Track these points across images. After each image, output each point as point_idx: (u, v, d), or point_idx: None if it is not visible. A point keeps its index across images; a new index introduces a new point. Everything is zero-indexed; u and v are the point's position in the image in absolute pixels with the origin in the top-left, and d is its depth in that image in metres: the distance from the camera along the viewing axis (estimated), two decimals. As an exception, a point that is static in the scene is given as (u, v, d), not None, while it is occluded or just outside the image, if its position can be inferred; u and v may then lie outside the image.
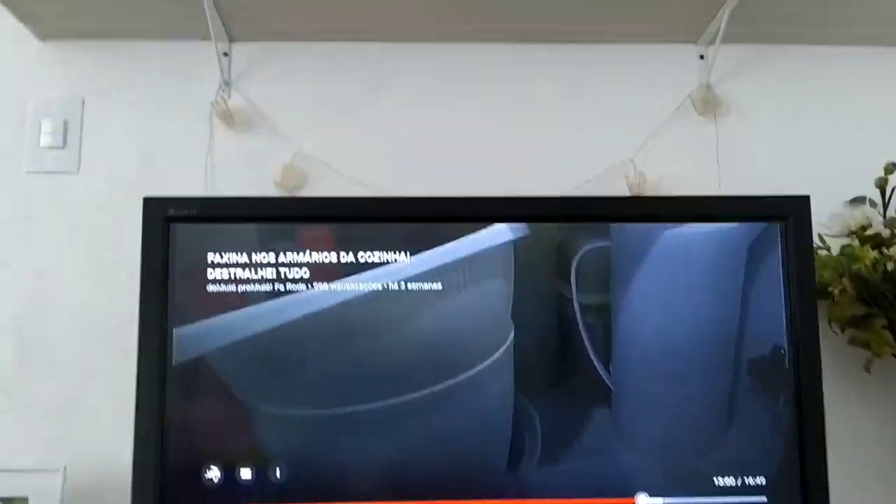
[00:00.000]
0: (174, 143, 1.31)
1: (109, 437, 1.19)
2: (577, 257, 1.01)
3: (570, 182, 1.29)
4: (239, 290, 0.97)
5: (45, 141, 1.29)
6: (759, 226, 1.01)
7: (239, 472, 0.94)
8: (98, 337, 1.24)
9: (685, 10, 1.27)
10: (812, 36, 1.35)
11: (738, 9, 1.24)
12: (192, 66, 1.33)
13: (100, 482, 1.17)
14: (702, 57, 1.37)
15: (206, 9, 1.22)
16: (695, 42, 1.36)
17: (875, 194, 1.26)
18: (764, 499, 0.97)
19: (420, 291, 0.98)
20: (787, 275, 1.00)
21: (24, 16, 1.25)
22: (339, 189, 1.29)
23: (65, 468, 1.10)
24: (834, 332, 1.22)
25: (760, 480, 0.97)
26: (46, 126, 1.29)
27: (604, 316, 1.00)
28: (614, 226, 1.01)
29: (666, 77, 1.36)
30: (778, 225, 1.01)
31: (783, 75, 1.37)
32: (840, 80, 1.37)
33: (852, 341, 1.19)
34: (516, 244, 1.00)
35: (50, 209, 1.28)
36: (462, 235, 1.00)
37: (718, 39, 1.29)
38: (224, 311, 0.96)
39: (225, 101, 1.31)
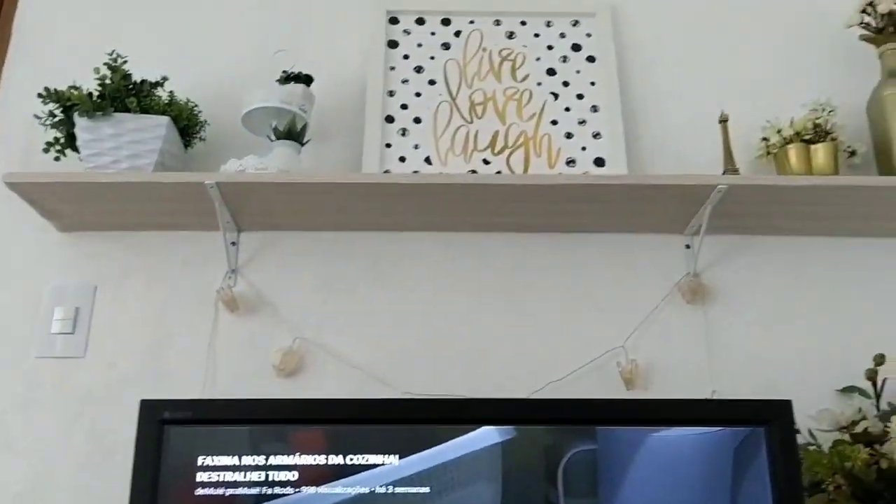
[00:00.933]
0: (179, 329, 1.36)
1: None
2: (564, 461, 1.02)
3: (564, 368, 1.32)
4: (227, 494, 0.98)
5: (56, 327, 1.34)
6: (744, 430, 1.03)
7: None
8: (92, 524, 1.24)
9: (670, 205, 1.34)
10: (793, 229, 1.41)
11: (718, 205, 1.31)
12: (201, 254, 1.40)
13: None
14: (688, 247, 1.42)
15: (216, 204, 1.30)
16: (681, 233, 1.42)
17: (865, 384, 1.27)
18: None
19: (408, 495, 0.99)
20: (773, 478, 1.01)
21: (46, 212, 1.34)
22: (335, 373, 1.33)
23: None
24: (833, 529, 1.20)
25: None
26: (59, 313, 1.35)
27: (592, 522, 0.99)
28: (601, 429, 1.03)
29: (654, 265, 1.42)
30: (762, 429, 1.02)
31: (768, 265, 1.42)
32: (824, 270, 1.41)
33: (851, 541, 1.17)
34: (504, 447, 1.02)
35: (55, 393, 1.32)
36: (450, 438, 1.01)
37: (702, 232, 1.35)
38: (211, 516, 0.97)
39: (230, 289, 1.37)
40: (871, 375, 1.27)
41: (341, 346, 1.35)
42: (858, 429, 1.20)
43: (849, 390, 1.30)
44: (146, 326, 1.36)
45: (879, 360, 1.27)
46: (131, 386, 1.31)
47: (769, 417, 1.02)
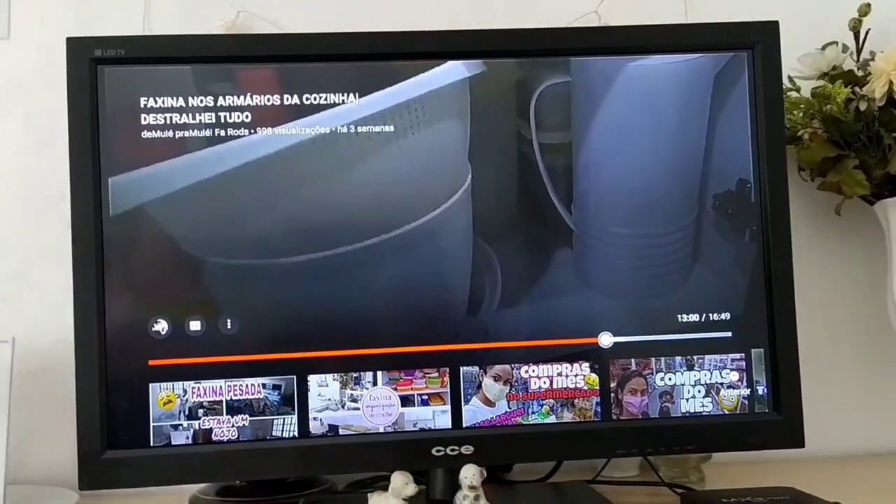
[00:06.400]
0: (108, 6, 1.22)
1: (59, 311, 1.14)
2: (536, 94, 0.95)
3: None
4: (176, 137, 0.91)
5: (-32, 5, 1.20)
6: (725, 56, 0.96)
7: (188, 324, 0.90)
8: (40, 209, 1.19)
9: None
10: None
11: None
12: (124, -83, 1.23)
13: (51, 354, 1.14)
14: None
15: None
16: None
17: (848, 38, 1.21)
18: (729, 334, 0.95)
19: (371, 134, 0.93)
20: (754, 104, 0.96)
21: None
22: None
23: (13, 339, 1.06)
24: (804, 179, 1.19)
25: (725, 316, 0.95)
26: (-31, -11, 1.20)
27: (565, 155, 0.95)
28: (575, 60, 0.96)
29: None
30: (745, 53, 0.96)
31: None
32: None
33: (822, 186, 1.16)
34: (472, 82, 0.95)
35: (-20, 77, 1.21)
36: (415, 74, 0.94)
37: None
38: (162, 159, 0.91)
39: (160, -44, 1.22)
40: (856, 26, 1.20)
41: (290, 20, 1.23)
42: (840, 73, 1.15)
43: (830, 46, 1.24)
44: (70, 5, 1.22)
45: (865, 9, 1.20)
46: (62, 64, 1.18)
47: (754, 40, 0.96)
